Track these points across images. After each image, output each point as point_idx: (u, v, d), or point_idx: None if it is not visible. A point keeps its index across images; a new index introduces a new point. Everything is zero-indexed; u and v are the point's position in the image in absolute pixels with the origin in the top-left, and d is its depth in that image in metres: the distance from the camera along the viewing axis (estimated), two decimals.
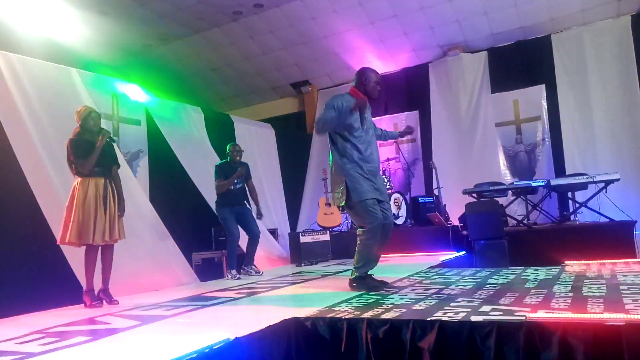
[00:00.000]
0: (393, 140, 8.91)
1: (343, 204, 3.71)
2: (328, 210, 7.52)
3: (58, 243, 3.87)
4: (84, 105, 4.15)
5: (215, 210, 5.58)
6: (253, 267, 5.52)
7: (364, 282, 3.67)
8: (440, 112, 8.64)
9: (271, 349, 2.44)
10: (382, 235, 3.77)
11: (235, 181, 5.51)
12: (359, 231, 3.76)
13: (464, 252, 6.08)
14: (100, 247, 3.92)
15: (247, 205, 5.66)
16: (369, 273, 3.76)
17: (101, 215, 3.81)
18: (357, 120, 3.75)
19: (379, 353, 2.39)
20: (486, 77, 8.36)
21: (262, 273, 5.55)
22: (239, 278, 5.26)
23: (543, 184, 6.40)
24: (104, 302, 3.91)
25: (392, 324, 2.41)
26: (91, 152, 3.87)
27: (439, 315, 2.44)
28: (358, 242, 3.75)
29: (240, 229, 5.54)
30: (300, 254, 6.48)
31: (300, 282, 4.65)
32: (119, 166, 4.15)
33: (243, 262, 5.58)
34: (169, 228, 5.57)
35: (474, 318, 2.33)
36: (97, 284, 3.99)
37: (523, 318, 2.24)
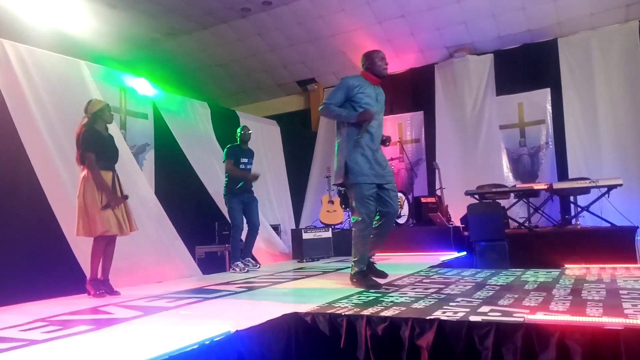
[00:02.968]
0: (397, 140, 8.94)
1: (341, 181, 3.71)
2: (330, 207, 7.55)
3: (77, 235, 3.85)
4: (96, 98, 4.16)
5: (224, 198, 5.56)
6: (250, 260, 5.55)
7: (364, 279, 3.67)
8: (445, 113, 8.65)
9: (271, 342, 2.46)
10: (385, 224, 3.79)
11: (247, 160, 5.56)
12: (352, 222, 3.78)
13: (465, 253, 6.10)
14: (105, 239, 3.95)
15: (254, 195, 5.69)
16: (370, 261, 3.78)
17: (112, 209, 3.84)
18: (370, 102, 3.76)
19: (377, 350, 2.42)
20: (492, 79, 8.35)
21: (260, 266, 5.57)
22: (247, 271, 5.28)
23: (545, 187, 6.42)
24: (105, 293, 3.94)
25: (392, 322, 2.43)
26: (102, 143, 3.90)
27: (438, 314, 2.46)
28: (353, 234, 3.76)
29: None
30: (302, 250, 6.52)
31: (302, 278, 4.67)
32: (116, 161, 4.17)
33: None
34: (173, 221, 5.61)
35: (472, 318, 2.35)
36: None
37: (521, 319, 2.25)
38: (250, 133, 5.74)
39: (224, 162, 5.56)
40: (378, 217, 3.80)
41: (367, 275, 3.70)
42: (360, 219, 3.67)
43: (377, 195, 3.74)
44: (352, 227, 3.76)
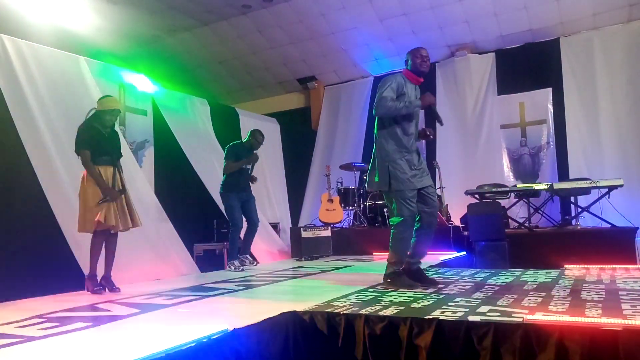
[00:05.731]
0: None
1: (386, 189, 3.60)
2: (330, 206, 7.53)
3: (78, 231, 3.86)
4: (109, 97, 4.09)
5: (220, 195, 5.49)
6: (248, 257, 5.53)
7: (399, 279, 3.58)
8: (446, 112, 8.58)
9: (269, 341, 2.46)
10: (428, 222, 3.69)
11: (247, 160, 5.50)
12: (391, 224, 3.65)
13: (464, 253, 6.08)
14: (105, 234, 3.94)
15: (252, 192, 5.66)
16: (419, 267, 3.71)
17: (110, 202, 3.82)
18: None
19: (375, 349, 2.41)
20: (493, 78, 8.34)
21: (257, 264, 5.55)
22: (242, 270, 5.27)
23: (546, 187, 6.40)
24: (106, 289, 3.93)
25: (390, 321, 2.42)
26: (99, 140, 3.88)
27: (436, 314, 2.45)
28: (391, 235, 3.64)
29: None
30: (301, 248, 6.50)
31: (300, 277, 4.66)
32: (121, 156, 4.16)
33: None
34: (171, 218, 5.60)
35: (471, 318, 2.34)
36: (100, 272, 4.01)
37: (520, 320, 2.25)
38: (260, 143, 5.60)
39: (225, 161, 5.47)
40: (418, 217, 3.68)
41: (402, 275, 3.62)
42: (401, 219, 3.56)
43: (418, 195, 3.65)
44: (393, 228, 3.62)
